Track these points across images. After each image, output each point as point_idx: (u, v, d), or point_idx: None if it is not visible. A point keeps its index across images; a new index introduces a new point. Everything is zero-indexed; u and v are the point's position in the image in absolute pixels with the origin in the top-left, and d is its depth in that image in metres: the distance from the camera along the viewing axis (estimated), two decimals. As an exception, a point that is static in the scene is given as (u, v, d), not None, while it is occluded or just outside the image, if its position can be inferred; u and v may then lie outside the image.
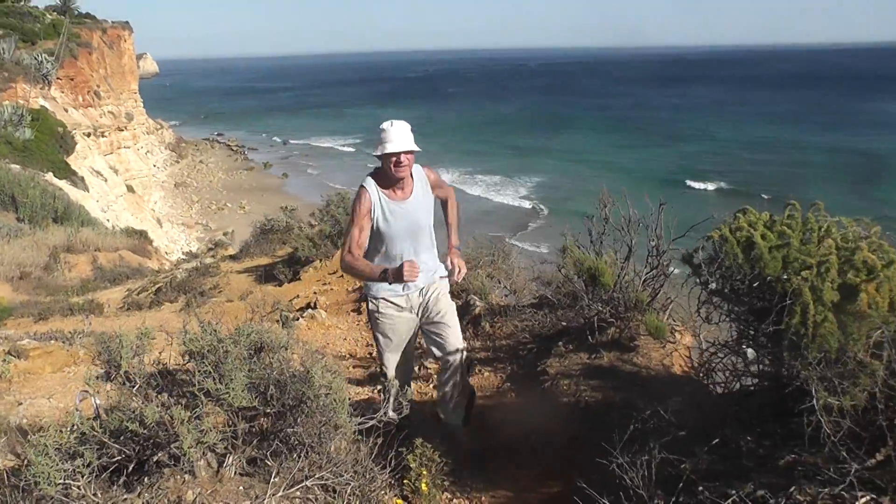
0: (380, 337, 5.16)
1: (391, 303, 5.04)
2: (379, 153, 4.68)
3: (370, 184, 4.82)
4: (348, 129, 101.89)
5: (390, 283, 4.83)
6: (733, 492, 3.65)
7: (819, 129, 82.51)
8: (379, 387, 7.23)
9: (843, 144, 70.40)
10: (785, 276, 4.13)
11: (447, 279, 5.20)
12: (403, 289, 4.98)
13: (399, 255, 4.88)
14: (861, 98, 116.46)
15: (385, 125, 4.71)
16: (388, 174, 4.74)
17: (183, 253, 36.07)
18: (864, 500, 3.24)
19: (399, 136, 4.65)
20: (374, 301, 5.07)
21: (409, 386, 5.33)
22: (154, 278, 17.78)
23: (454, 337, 5.10)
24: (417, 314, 5.11)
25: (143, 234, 28.82)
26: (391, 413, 4.57)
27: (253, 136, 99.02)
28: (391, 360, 5.23)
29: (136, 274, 20.26)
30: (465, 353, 5.21)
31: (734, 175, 58.83)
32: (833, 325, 3.73)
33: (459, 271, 5.08)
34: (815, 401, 3.53)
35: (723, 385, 5.19)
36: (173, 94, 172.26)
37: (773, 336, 4.21)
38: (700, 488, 3.85)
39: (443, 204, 5.32)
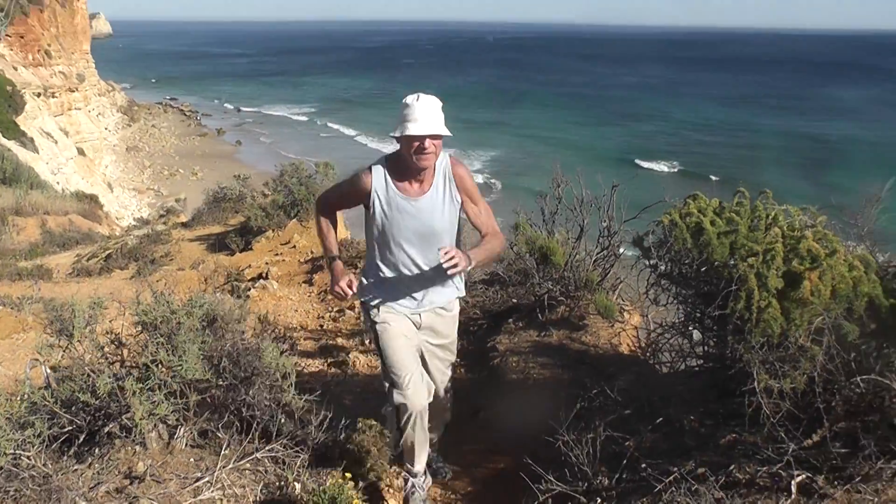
0: (384, 340, 4.18)
1: (393, 309, 4.23)
2: (398, 134, 3.86)
3: (378, 172, 4.00)
4: (303, 98, 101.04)
5: (330, 275, 4.13)
6: (675, 469, 3.74)
7: (772, 112, 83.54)
8: (331, 359, 7.26)
9: (795, 129, 71.39)
10: (732, 262, 4.25)
11: (459, 301, 4.53)
12: (417, 306, 4.24)
13: (402, 263, 4.12)
14: (815, 84, 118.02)
15: (409, 99, 3.87)
16: (406, 162, 3.92)
17: (134, 219, 35.65)
18: (799, 478, 3.36)
19: (425, 114, 3.80)
20: (371, 310, 4.25)
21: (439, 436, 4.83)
22: (104, 244, 17.53)
23: (444, 382, 4.57)
24: (419, 328, 4.32)
25: (93, 199, 28.42)
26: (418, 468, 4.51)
27: (206, 101, 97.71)
28: (404, 364, 4.16)
29: (86, 239, 19.99)
30: (450, 403, 4.76)
31: (686, 156, 59.40)
32: (776, 310, 3.86)
33: (452, 258, 3.78)
34: (756, 383, 3.64)
35: (669, 365, 5.32)
36: (126, 55, 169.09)
37: (718, 319, 4.33)
38: (643, 465, 3.95)
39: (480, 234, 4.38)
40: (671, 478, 3.69)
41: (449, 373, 4.57)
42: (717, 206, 4.69)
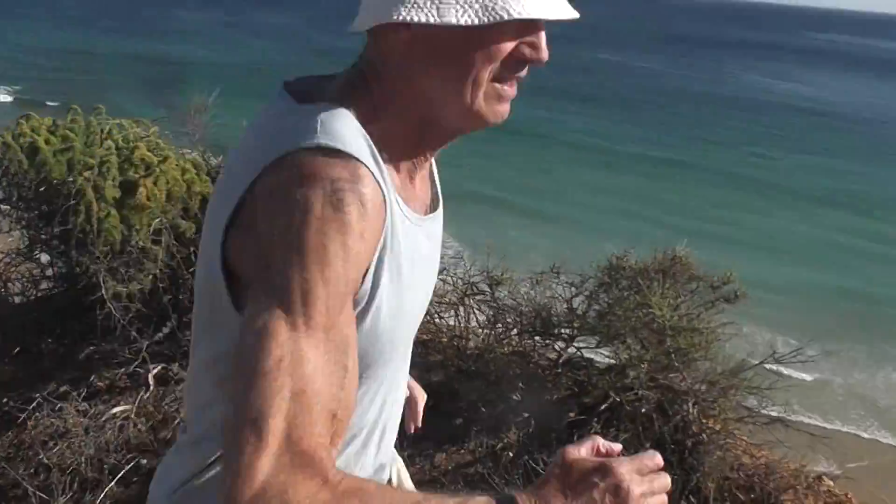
0: None
1: None
2: (487, 19, 1.01)
3: (371, 168, 1.05)
4: None
5: None
6: (37, 395, 3.75)
7: (110, 35, 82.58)
8: None
9: (134, 51, 71.52)
10: (71, 179, 4.27)
11: None
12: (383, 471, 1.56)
13: (387, 390, 1.31)
14: (161, 6, 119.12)
15: None
16: (450, 113, 1.13)
17: None
18: (156, 370, 3.61)
19: None
20: None
21: None
22: None
23: None
24: None
25: None
26: None
27: None
28: None
29: None
30: None
31: (24, 82, 56.25)
32: (116, 219, 4.00)
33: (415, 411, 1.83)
34: (104, 291, 3.76)
35: (21, 294, 5.18)
36: None
37: (62, 237, 4.34)
38: (4, 399, 3.89)
39: None
40: (34, 404, 3.70)
41: None
42: (52, 124, 4.65)
